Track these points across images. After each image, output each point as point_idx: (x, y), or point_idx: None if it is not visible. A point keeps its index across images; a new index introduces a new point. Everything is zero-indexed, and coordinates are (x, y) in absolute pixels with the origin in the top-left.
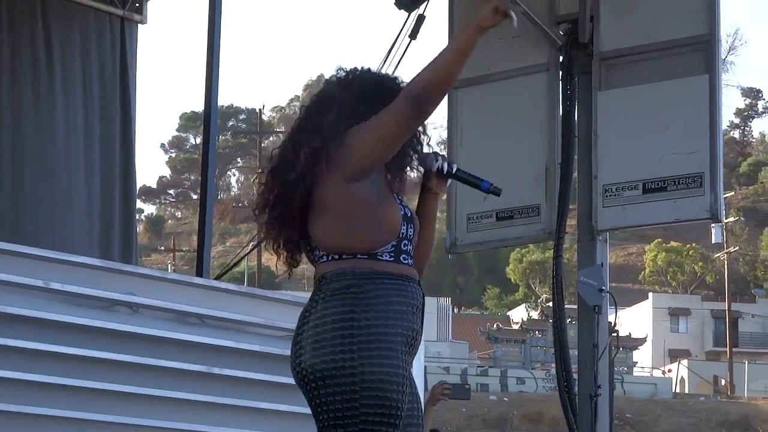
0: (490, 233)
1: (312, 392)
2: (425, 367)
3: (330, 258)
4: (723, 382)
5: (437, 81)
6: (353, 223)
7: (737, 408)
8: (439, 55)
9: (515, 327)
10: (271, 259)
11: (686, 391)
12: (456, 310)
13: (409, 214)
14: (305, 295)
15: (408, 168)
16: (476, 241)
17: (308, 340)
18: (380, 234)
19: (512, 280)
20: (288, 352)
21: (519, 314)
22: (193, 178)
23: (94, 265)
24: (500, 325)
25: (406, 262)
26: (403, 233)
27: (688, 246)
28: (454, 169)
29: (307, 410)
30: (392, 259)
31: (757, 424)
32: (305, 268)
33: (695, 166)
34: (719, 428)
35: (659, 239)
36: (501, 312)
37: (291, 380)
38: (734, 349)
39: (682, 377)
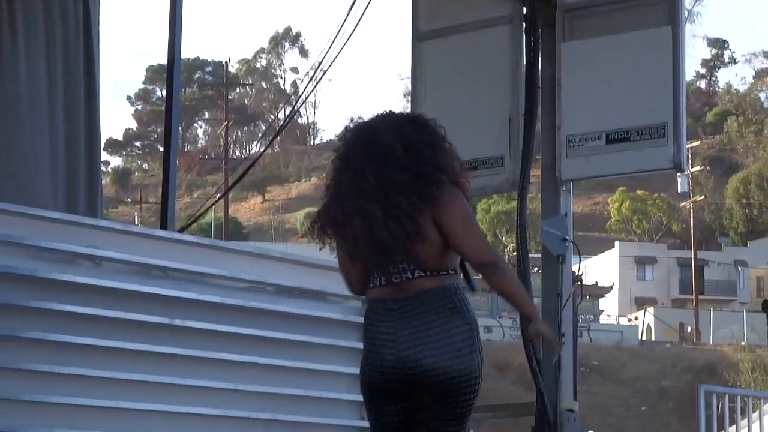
0: None
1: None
2: None
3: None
4: (689, 329)
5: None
6: None
7: (703, 355)
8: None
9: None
10: (238, 211)
11: (652, 339)
12: None
13: None
14: (271, 246)
15: None
16: None
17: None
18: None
19: None
20: (252, 304)
21: None
22: (159, 130)
23: (55, 218)
24: None
25: None
26: None
27: (654, 195)
28: None
29: (267, 360)
30: None
31: (722, 370)
32: (272, 218)
33: (658, 117)
34: (685, 374)
35: (624, 188)
36: None
37: (255, 331)
38: (700, 297)
39: (648, 325)
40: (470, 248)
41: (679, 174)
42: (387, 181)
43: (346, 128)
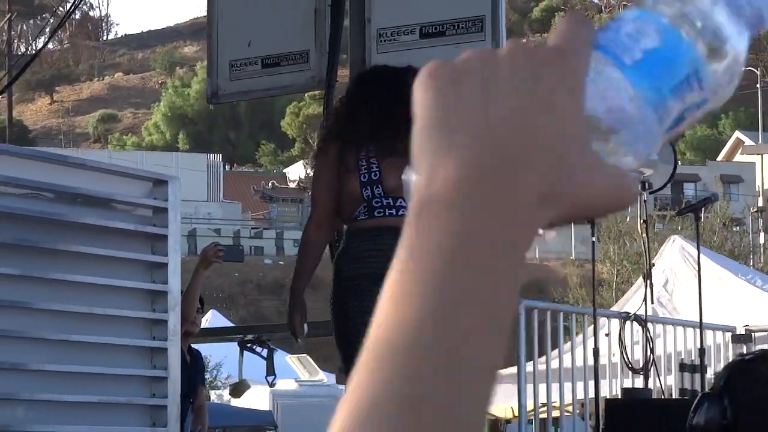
0: (256, 82)
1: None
2: (195, 229)
3: None
4: None
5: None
6: None
7: (528, 271)
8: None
9: (292, 185)
10: (23, 113)
11: None
12: (228, 168)
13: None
14: (60, 151)
15: None
16: (240, 90)
17: None
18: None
19: (288, 135)
20: (30, 212)
21: (296, 171)
22: None
23: None
24: (276, 183)
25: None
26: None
27: None
28: None
29: (44, 274)
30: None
31: (550, 286)
32: (61, 122)
33: (475, 9)
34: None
35: None
36: (277, 169)
37: (33, 243)
38: None
39: None
40: None
41: None
42: None
43: None
